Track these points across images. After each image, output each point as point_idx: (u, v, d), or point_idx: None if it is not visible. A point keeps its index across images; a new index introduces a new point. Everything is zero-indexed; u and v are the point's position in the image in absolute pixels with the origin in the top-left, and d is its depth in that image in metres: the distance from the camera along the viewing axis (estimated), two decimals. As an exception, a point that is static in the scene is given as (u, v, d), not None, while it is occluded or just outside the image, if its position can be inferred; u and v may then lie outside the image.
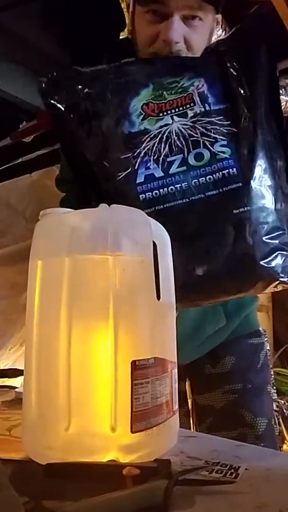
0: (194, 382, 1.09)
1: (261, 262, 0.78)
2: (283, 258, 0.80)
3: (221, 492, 0.48)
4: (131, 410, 0.54)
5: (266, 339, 1.09)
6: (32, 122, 1.63)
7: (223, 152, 0.82)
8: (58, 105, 0.88)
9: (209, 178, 0.81)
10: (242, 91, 0.85)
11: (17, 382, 1.14)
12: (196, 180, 0.81)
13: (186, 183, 0.81)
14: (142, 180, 0.82)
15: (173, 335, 0.65)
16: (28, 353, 0.59)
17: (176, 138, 0.83)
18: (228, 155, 0.82)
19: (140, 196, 0.81)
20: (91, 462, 0.52)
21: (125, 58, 0.93)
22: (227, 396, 1.03)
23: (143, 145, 0.84)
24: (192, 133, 0.84)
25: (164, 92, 0.86)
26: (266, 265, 0.79)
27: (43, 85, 0.89)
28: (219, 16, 0.99)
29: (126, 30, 0.93)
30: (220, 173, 0.81)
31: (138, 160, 0.83)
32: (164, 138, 0.84)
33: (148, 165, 0.83)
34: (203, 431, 1.03)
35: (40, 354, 0.58)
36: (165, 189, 0.81)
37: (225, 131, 0.83)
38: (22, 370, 0.61)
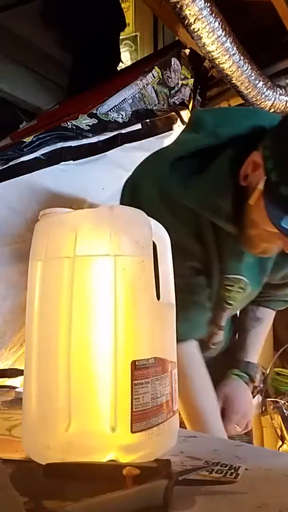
0: None
1: None
2: None
3: (221, 492, 0.48)
4: (131, 410, 0.54)
5: None
6: (32, 122, 1.63)
7: None
8: None
9: None
10: None
11: (17, 382, 1.14)
12: None
13: None
14: None
15: (173, 335, 0.65)
16: (28, 353, 0.59)
17: None
18: None
19: None
20: (91, 462, 0.52)
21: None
22: None
23: None
24: None
25: None
26: None
27: None
28: None
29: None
30: None
31: None
32: None
33: None
34: None
35: (40, 354, 0.57)
36: None
37: None
38: (22, 370, 0.61)
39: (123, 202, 0.96)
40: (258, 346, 1.18)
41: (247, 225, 0.84)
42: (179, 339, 0.97)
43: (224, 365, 1.14)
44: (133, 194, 0.94)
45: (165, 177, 0.87)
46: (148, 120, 1.37)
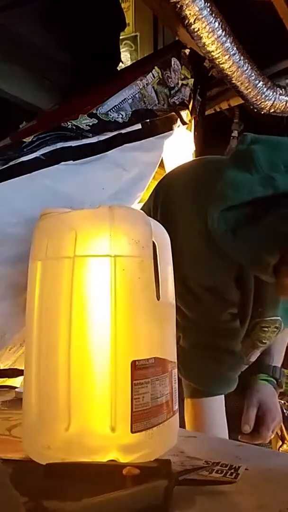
0: None
1: None
2: None
3: (221, 492, 0.48)
4: (131, 410, 0.54)
5: None
6: (32, 122, 1.63)
7: None
8: None
9: None
10: None
11: (17, 382, 1.14)
12: None
13: None
14: None
15: (173, 335, 0.65)
16: (28, 353, 0.59)
17: None
18: None
19: None
20: (91, 462, 0.52)
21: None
22: None
23: None
24: None
25: None
26: None
27: None
28: None
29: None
30: None
31: None
32: None
33: None
34: None
35: (40, 354, 0.57)
36: None
37: None
38: (22, 370, 0.61)
39: (156, 216, 0.92)
40: (282, 351, 1.19)
41: (286, 274, 0.81)
42: (210, 393, 0.96)
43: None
44: (169, 219, 0.85)
45: (213, 221, 0.81)
46: (148, 120, 1.37)
